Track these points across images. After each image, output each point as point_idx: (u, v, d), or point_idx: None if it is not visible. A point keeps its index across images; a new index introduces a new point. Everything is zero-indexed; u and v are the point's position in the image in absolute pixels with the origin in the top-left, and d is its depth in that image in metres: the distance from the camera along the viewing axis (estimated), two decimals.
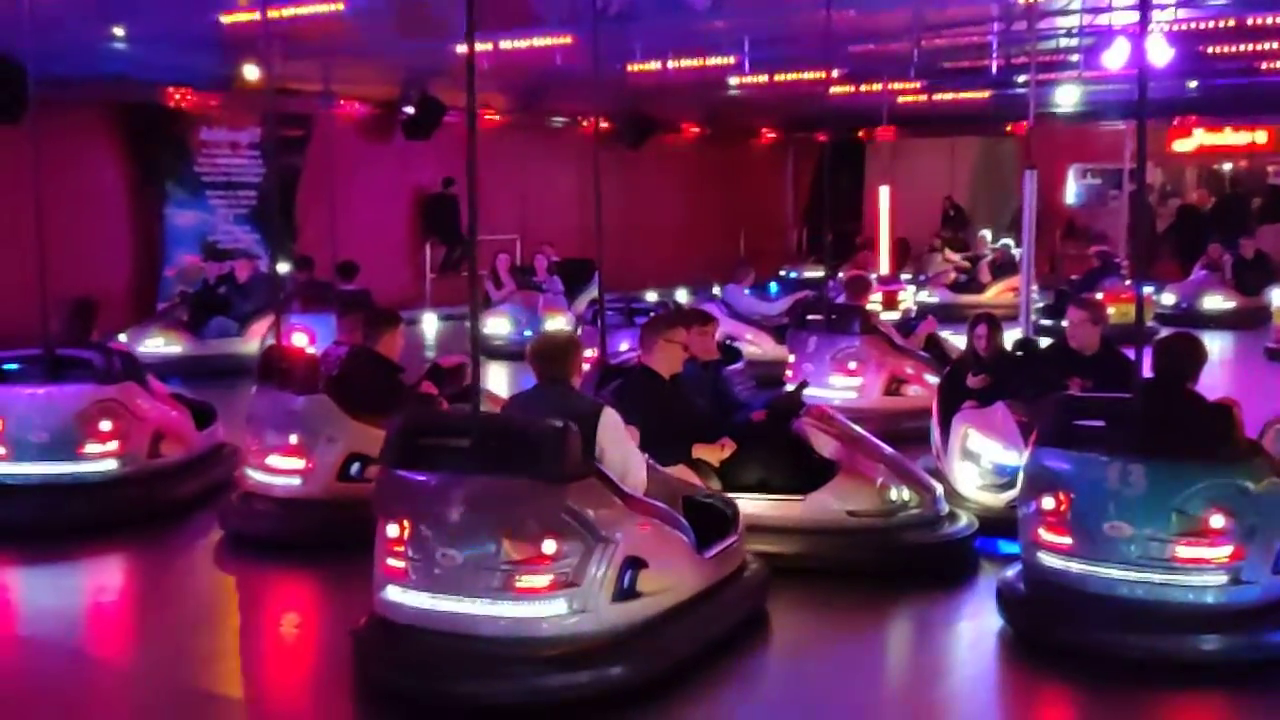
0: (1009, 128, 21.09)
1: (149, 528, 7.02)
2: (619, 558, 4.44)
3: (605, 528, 4.42)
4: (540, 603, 4.37)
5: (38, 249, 7.16)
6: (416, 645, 4.46)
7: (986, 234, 19.58)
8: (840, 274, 15.10)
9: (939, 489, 6.23)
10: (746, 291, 12.94)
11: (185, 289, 13.50)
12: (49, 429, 6.94)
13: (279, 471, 6.60)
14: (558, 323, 13.66)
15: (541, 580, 4.36)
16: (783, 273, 17.66)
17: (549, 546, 4.35)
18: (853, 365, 9.28)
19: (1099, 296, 12.80)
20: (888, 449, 6.28)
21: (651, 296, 15.00)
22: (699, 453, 5.80)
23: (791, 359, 9.74)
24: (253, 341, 12.21)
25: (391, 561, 4.53)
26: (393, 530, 4.52)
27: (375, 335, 6.87)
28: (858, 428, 6.43)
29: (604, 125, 19.73)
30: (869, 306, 11.25)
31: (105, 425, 7.02)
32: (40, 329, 7.22)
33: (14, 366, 7.17)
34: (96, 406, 7.03)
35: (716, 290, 13.84)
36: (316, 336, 11.19)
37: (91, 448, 7.01)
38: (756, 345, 11.55)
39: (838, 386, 9.29)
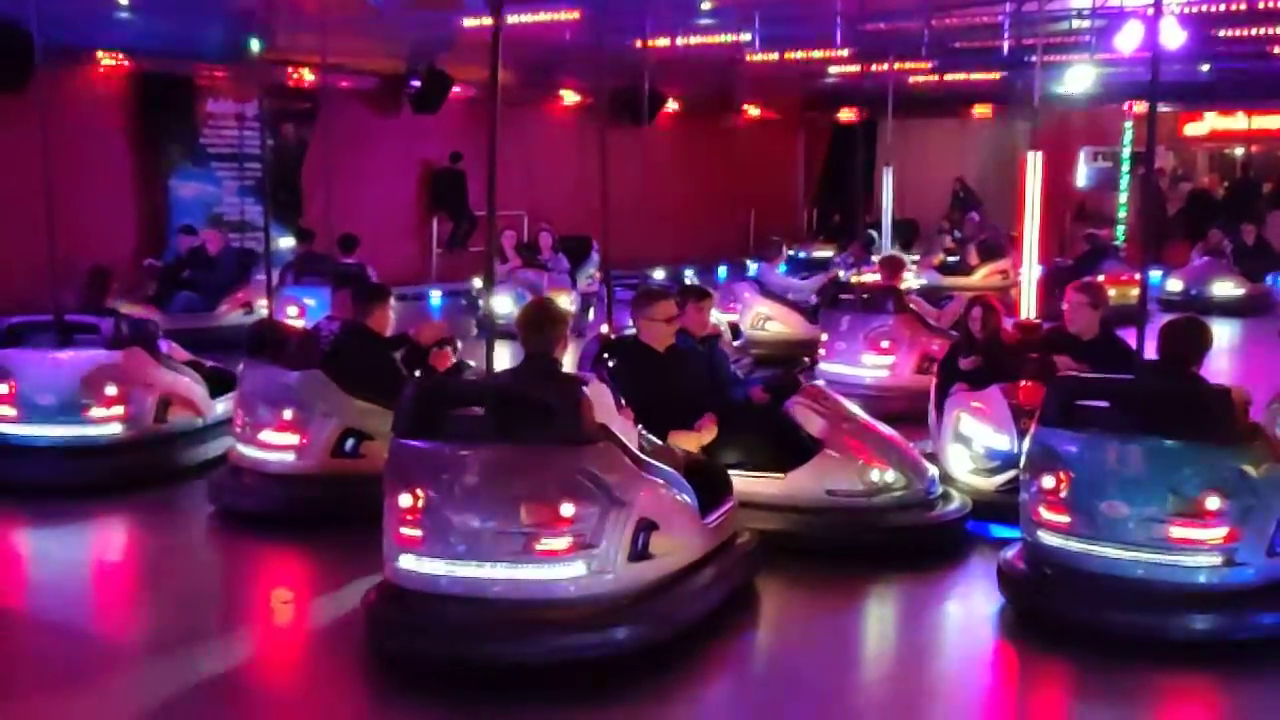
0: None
1: (150, 496, 7.07)
2: (633, 519, 4.51)
3: (620, 490, 4.48)
4: (560, 565, 4.44)
5: (46, 217, 7.26)
6: (435, 611, 4.49)
7: (975, 216, 19.53)
8: (847, 252, 15.15)
9: (933, 472, 6.21)
10: (779, 270, 12.95)
11: (153, 262, 13.31)
12: (56, 392, 7.12)
13: (273, 447, 6.57)
14: (562, 301, 13.61)
15: (561, 543, 4.42)
16: (791, 252, 17.61)
17: (567, 509, 4.40)
18: (885, 344, 9.33)
19: (1100, 279, 12.83)
20: (885, 430, 6.26)
21: (659, 274, 14.99)
22: (675, 439, 5.73)
23: (824, 337, 9.80)
24: (222, 316, 12.18)
25: (406, 530, 4.55)
26: (406, 500, 4.54)
27: (365, 310, 6.83)
28: (854, 408, 6.41)
29: (611, 102, 19.71)
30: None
31: (110, 390, 7.16)
32: (47, 296, 7.31)
33: (25, 331, 7.36)
34: (101, 371, 7.17)
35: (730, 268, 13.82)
36: (306, 309, 11.21)
37: (97, 411, 7.17)
38: (788, 324, 11.59)
39: (869, 365, 9.36)
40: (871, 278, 11.55)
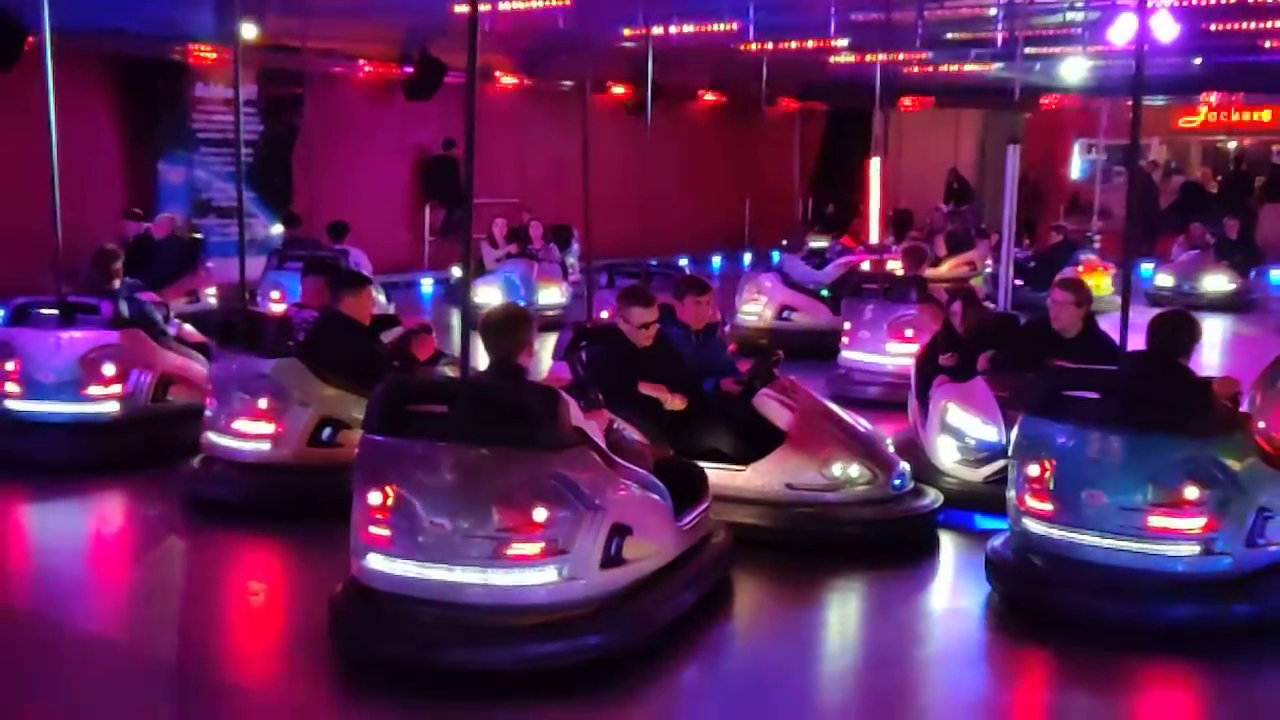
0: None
1: (144, 476, 7.12)
2: (607, 525, 4.45)
3: (595, 495, 4.42)
4: (531, 570, 4.37)
5: (50, 200, 7.43)
6: (402, 614, 4.42)
7: (942, 207, 19.57)
8: (829, 242, 15.25)
9: (903, 467, 6.16)
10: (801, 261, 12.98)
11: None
12: (56, 370, 7.34)
13: (247, 436, 6.53)
14: (552, 292, 13.61)
15: (532, 548, 4.35)
16: (785, 242, 17.61)
17: (540, 514, 4.34)
18: (909, 333, 9.38)
19: (1080, 270, 13.03)
20: (859, 426, 6.22)
21: (651, 264, 14.94)
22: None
23: (847, 326, 9.89)
24: (169, 303, 12.10)
25: (374, 529, 4.47)
26: (375, 498, 4.46)
27: (338, 298, 6.76)
28: (828, 402, 6.38)
29: (608, 91, 19.66)
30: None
31: (108, 369, 7.35)
32: (34, 278, 7.35)
33: (30, 311, 7.61)
34: (99, 351, 7.35)
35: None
36: (289, 294, 11.14)
37: (95, 390, 7.35)
38: (810, 315, 11.65)
39: (893, 353, 9.43)
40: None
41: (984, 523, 6.19)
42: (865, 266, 11.51)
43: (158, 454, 7.29)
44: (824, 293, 11.81)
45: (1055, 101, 20.87)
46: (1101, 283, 13.85)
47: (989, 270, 13.59)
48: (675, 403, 5.98)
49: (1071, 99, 20.35)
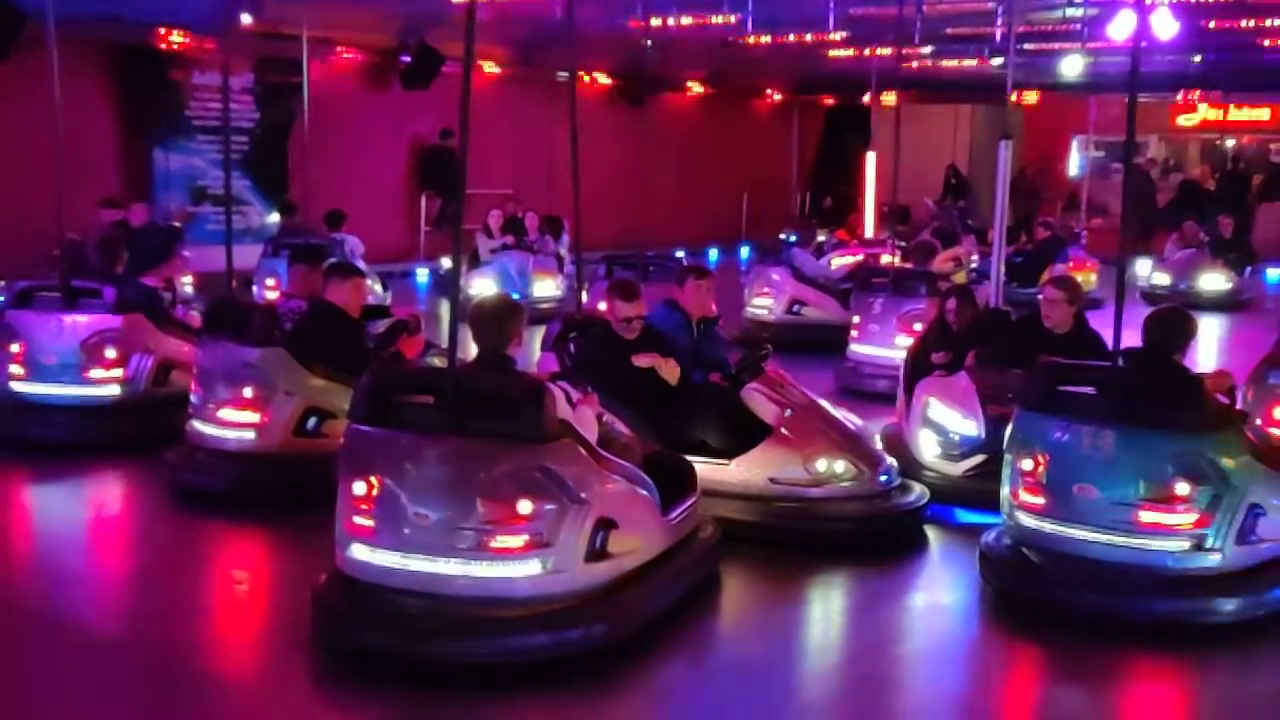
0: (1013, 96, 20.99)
1: (142, 460, 7.11)
2: (592, 518, 4.43)
3: (580, 488, 4.40)
4: (514, 563, 4.35)
5: (48, 186, 7.60)
6: (385, 604, 4.41)
7: (929, 203, 19.56)
8: (826, 236, 15.29)
9: (890, 463, 6.13)
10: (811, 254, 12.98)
11: (74, 237, 13.12)
12: (59, 353, 7.52)
13: (232, 425, 6.51)
14: (547, 284, 13.58)
15: (516, 541, 4.33)
16: (783, 236, 17.60)
17: (525, 507, 4.32)
18: (918, 327, 9.34)
19: (1069, 267, 13.03)
20: (847, 422, 6.18)
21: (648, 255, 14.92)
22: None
23: (856, 320, 9.93)
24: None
25: (358, 520, 4.46)
26: (359, 488, 4.45)
27: (330, 287, 6.71)
28: (816, 397, 6.35)
29: (607, 82, 19.62)
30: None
31: (110, 353, 7.50)
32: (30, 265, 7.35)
33: (34, 294, 7.76)
34: (101, 335, 7.50)
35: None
36: (283, 281, 11.10)
37: (96, 373, 7.50)
38: (821, 309, 11.68)
39: (901, 347, 9.35)
40: (841, 261, 11.69)
41: (965, 517, 6.19)
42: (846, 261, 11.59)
43: (158, 437, 7.24)
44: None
45: (1040, 97, 20.88)
46: (1089, 279, 13.87)
47: (974, 265, 13.60)
48: (670, 370, 5.94)
49: (1063, 95, 20.33)
